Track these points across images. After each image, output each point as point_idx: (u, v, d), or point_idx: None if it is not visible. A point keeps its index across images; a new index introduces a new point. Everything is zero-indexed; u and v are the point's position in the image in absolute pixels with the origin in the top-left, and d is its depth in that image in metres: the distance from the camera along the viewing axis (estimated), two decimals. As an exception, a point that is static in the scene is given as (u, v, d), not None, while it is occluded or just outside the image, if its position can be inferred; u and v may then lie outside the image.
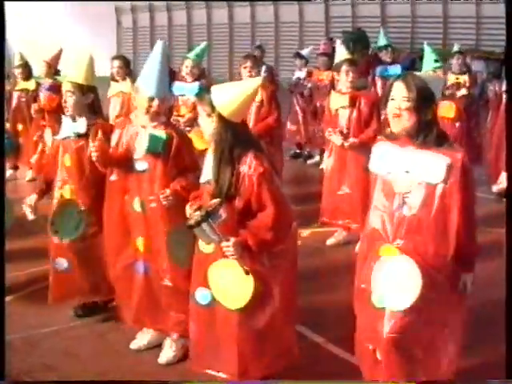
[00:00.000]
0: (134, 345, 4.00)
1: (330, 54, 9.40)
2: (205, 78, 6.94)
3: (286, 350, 3.29)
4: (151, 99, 3.61)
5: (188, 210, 3.20)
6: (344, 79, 5.71)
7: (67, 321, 4.35)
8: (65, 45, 8.48)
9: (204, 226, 2.97)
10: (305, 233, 5.90)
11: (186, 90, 6.33)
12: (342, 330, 3.09)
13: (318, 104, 8.61)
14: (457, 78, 7.56)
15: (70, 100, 4.09)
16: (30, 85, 8.18)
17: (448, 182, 2.82)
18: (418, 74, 3.03)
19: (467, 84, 7.57)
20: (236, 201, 3.05)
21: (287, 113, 9.24)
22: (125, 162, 3.72)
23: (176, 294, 3.71)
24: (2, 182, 4.46)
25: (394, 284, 2.86)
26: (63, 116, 4.25)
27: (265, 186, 3.00)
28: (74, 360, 3.89)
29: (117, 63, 7.16)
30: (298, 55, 10.14)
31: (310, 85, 9.44)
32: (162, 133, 3.63)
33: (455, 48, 8.04)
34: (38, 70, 7.88)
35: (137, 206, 3.71)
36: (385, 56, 9.28)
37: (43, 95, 7.38)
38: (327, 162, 5.97)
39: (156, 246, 3.71)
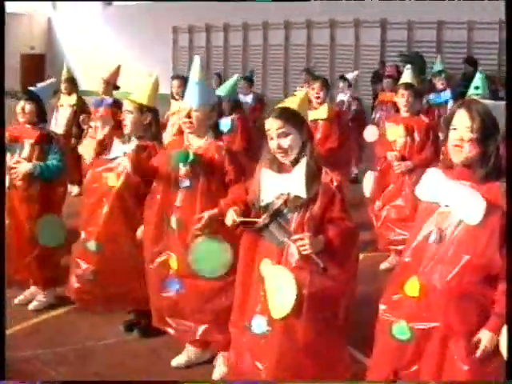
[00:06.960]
0: (174, 362, 3.96)
1: (396, 77, 9.48)
2: (241, 110, 7.01)
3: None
4: (189, 111, 3.61)
5: (233, 214, 3.05)
6: (400, 102, 5.79)
7: (121, 334, 4.38)
8: (123, 61, 8.58)
9: (272, 226, 2.95)
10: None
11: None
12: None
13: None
14: None
15: (127, 119, 4.16)
16: (71, 100, 8.34)
17: (485, 225, 2.51)
18: (481, 100, 2.82)
19: None
20: (313, 208, 2.94)
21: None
22: (163, 176, 3.73)
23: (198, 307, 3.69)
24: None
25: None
26: (115, 138, 4.32)
27: (341, 195, 2.96)
28: (125, 374, 3.89)
29: (176, 83, 7.26)
30: (342, 78, 10.17)
31: (354, 107, 9.49)
32: (190, 152, 3.59)
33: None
34: (96, 86, 7.89)
35: (173, 223, 3.71)
36: (438, 82, 9.30)
37: (103, 110, 7.44)
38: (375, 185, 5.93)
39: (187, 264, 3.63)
